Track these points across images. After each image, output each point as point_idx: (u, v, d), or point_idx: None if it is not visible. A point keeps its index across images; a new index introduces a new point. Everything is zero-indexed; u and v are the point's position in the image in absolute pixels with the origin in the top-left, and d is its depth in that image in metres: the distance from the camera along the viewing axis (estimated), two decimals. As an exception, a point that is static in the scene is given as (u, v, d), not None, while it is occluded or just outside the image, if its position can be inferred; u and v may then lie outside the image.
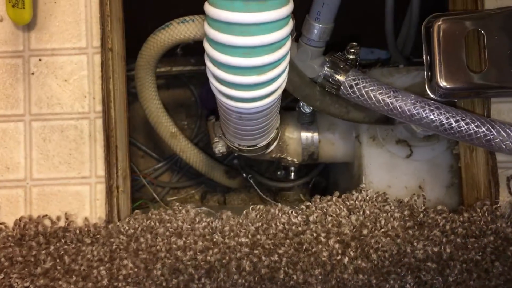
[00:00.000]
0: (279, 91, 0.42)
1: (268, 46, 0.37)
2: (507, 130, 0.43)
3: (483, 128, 0.44)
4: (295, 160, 0.61)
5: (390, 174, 0.55)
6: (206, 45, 0.38)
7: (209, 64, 0.40)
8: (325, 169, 0.90)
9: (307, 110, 0.59)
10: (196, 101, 0.98)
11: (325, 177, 0.94)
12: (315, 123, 0.60)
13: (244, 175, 0.86)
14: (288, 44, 0.38)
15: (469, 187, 0.51)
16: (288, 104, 0.71)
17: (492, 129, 0.44)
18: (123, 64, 0.55)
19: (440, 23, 0.46)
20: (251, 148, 0.55)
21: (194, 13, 0.58)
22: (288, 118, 0.61)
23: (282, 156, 0.60)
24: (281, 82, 0.41)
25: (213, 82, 0.41)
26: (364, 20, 0.58)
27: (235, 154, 0.57)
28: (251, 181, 0.74)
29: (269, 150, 0.58)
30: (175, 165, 0.96)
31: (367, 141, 0.57)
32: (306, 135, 0.60)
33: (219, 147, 0.56)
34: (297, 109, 0.60)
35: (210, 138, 0.58)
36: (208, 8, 0.36)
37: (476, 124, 0.44)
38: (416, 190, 0.55)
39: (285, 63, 0.39)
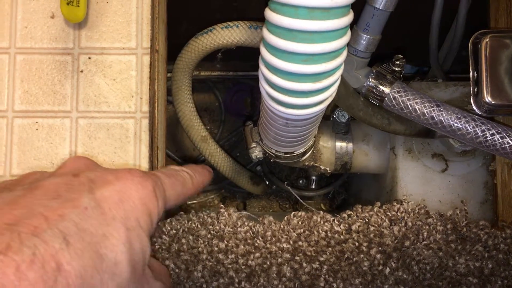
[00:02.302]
0: (330, 99, 0.42)
1: (328, 54, 0.37)
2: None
3: (526, 145, 0.44)
4: (327, 169, 0.61)
5: (424, 188, 0.56)
6: (263, 51, 0.39)
7: (264, 69, 0.40)
8: (346, 181, 0.90)
9: (342, 119, 0.59)
10: (220, 106, 0.98)
11: (345, 189, 0.94)
12: (349, 133, 0.61)
13: (267, 182, 0.86)
14: (345, 53, 0.39)
15: (506, 204, 0.52)
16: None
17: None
18: (165, 66, 0.56)
19: (488, 40, 0.46)
20: (288, 155, 0.55)
21: (230, 18, 0.59)
22: (323, 127, 0.61)
23: (315, 164, 0.61)
24: (334, 90, 0.41)
25: (265, 87, 0.41)
26: (408, 33, 0.59)
27: (271, 160, 0.57)
28: (289, 188, 0.73)
29: (304, 158, 0.58)
30: (196, 169, 0.96)
31: (403, 154, 0.57)
32: (340, 144, 0.61)
33: (256, 153, 0.56)
34: (332, 118, 0.60)
35: (247, 143, 0.58)
36: (269, 14, 0.36)
37: (519, 140, 0.45)
38: (451, 204, 0.55)
39: (340, 72, 0.40)
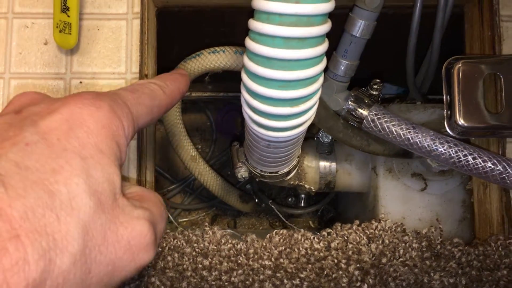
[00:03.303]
0: (308, 123, 0.44)
1: (304, 81, 0.39)
2: (522, 169, 0.46)
3: (499, 166, 0.46)
4: (312, 188, 0.63)
5: (405, 206, 0.58)
6: (244, 77, 0.41)
7: (245, 94, 0.42)
8: (334, 198, 0.92)
9: (326, 140, 0.61)
10: (211, 126, 1.01)
11: (334, 206, 0.96)
12: (333, 153, 0.63)
13: (257, 200, 0.88)
14: (321, 79, 0.41)
15: (482, 222, 0.53)
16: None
17: (507, 168, 0.46)
18: (154, 89, 0.58)
19: (460, 65, 0.49)
20: (272, 175, 0.57)
21: (219, 43, 0.61)
22: (307, 147, 0.63)
23: (300, 183, 0.63)
24: (312, 114, 0.43)
25: (247, 111, 0.44)
26: (386, 58, 0.61)
27: (257, 179, 0.59)
28: (272, 206, 0.75)
29: (288, 177, 0.60)
30: (187, 188, 0.98)
31: (384, 173, 0.59)
32: (324, 164, 0.63)
33: (242, 172, 0.58)
34: (315, 139, 0.62)
35: (233, 163, 0.60)
36: (249, 43, 0.39)
37: (492, 162, 0.47)
38: (430, 222, 0.57)
39: (316, 97, 0.42)
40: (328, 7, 0.37)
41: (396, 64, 0.60)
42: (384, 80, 0.67)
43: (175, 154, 1.00)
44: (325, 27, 0.38)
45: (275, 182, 0.60)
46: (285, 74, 0.38)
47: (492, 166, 0.46)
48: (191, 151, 0.71)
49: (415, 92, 0.58)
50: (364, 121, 0.50)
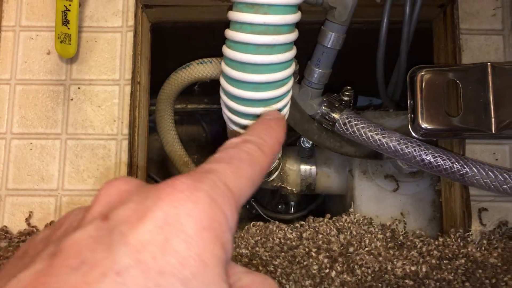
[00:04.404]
0: (281, 123, 0.49)
1: (274, 83, 0.44)
2: (478, 167, 0.50)
3: (458, 165, 0.51)
4: (294, 189, 0.67)
5: (378, 205, 0.62)
6: (222, 80, 0.46)
7: (223, 96, 0.47)
8: (323, 204, 0.96)
9: (307, 145, 0.66)
10: (207, 137, 1.06)
11: (322, 211, 0.99)
12: (313, 158, 0.67)
13: (248, 206, 0.92)
14: (291, 82, 0.46)
15: (448, 219, 0.57)
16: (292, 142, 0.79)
17: (465, 166, 0.50)
18: (147, 96, 0.64)
19: (422, 73, 0.53)
20: (255, 175, 0.61)
21: (211, 55, 0.67)
22: (290, 152, 0.68)
23: (283, 185, 0.67)
24: (284, 114, 0.48)
25: (225, 112, 0.48)
26: (362, 69, 0.66)
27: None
28: (254, 203, 0.79)
29: (271, 178, 0.65)
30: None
31: (359, 175, 0.63)
32: (304, 167, 0.67)
33: (227, 173, 0.63)
34: (298, 144, 0.67)
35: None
36: (225, 49, 0.44)
37: (451, 161, 0.51)
38: (400, 221, 0.61)
39: (287, 99, 0.47)
40: (293, 18, 0.42)
41: (371, 75, 0.65)
42: (361, 90, 0.72)
43: (171, 164, 1.05)
44: (292, 35, 0.43)
45: (258, 183, 0.65)
46: (257, 77, 0.43)
47: (451, 165, 0.51)
48: (184, 156, 0.76)
49: (387, 100, 0.63)
50: (336, 124, 0.55)
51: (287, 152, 0.68)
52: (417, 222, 0.60)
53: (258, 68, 0.43)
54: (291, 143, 0.72)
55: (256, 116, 0.47)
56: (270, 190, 0.95)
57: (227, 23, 0.74)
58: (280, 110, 0.47)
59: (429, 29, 0.65)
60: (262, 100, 0.45)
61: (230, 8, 0.43)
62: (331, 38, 0.53)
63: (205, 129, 1.05)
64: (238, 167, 0.26)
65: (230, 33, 0.43)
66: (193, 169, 0.25)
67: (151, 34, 0.67)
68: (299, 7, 0.44)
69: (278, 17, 0.41)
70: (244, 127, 0.48)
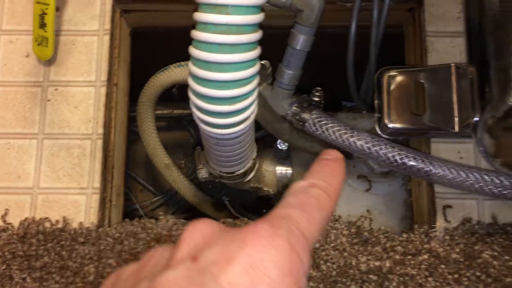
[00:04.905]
0: (248, 121, 0.50)
1: (238, 82, 0.46)
2: (442, 165, 0.51)
3: (423, 163, 0.52)
4: (270, 190, 0.69)
5: (350, 205, 0.63)
6: (190, 80, 0.48)
7: (191, 95, 0.49)
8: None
9: (283, 146, 0.67)
10: (194, 142, 1.07)
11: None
12: (289, 159, 0.69)
13: (232, 210, 0.93)
14: (255, 81, 0.48)
15: (417, 217, 0.58)
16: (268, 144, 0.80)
17: (430, 164, 0.52)
18: (126, 98, 0.65)
19: (389, 74, 0.55)
20: (229, 175, 0.63)
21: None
22: (266, 153, 0.69)
23: (259, 186, 0.68)
24: (250, 113, 0.50)
25: (194, 110, 0.50)
26: (335, 72, 0.68)
27: (216, 180, 0.65)
28: (226, 202, 0.80)
29: (247, 179, 0.66)
30: (170, 200, 1.03)
31: (333, 175, 0.64)
32: (280, 168, 0.68)
33: (202, 173, 0.64)
34: (274, 146, 0.68)
35: (195, 165, 0.66)
36: (191, 50, 0.45)
37: (417, 159, 0.52)
38: (373, 220, 0.62)
39: (252, 97, 0.48)
40: (256, 18, 0.44)
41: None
42: (337, 92, 0.73)
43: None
44: (255, 35, 0.45)
45: (235, 183, 0.66)
46: (222, 75, 0.45)
47: (417, 163, 0.52)
48: (165, 159, 0.77)
49: (360, 102, 0.64)
50: (306, 124, 0.56)
51: (263, 154, 0.69)
52: (389, 221, 0.61)
53: (223, 67, 0.44)
54: (268, 145, 0.73)
55: (223, 114, 0.48)
56: (257, 196, 0.97)
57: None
58: (246, 108, 0.49)
59: (402, 32, 0.66)
60: (227, 98, 0.46)
61: (196, 9, 0.45)
62: (300, 40, 0.55)
63: (192, 134, 1.07)
64: (309, 214, 0.28)
65: (195, 33, 0.44)
66: (269, 213, 0.27)
67: (132, 38, 0.68)
68: (262, 8, 0.46)
69: (240, 17, 0.43)
70: (213, 125, 0.49)
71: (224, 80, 0.45)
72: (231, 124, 0.49)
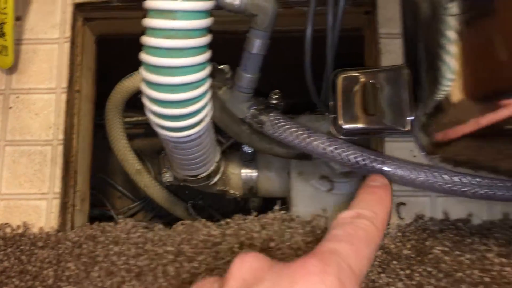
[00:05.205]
0: (203, 124, 0.51)
1: (188, 85, 0.47)
2: (394, 164, 0.52)
3: (375, 163, 0.53)
4: (237, 193, 0.69)
5: (313, 206, 0.64)
6: (142, 85, 0.49)
7: (144, 100, 0.50)
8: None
9: (249, 150, 0.68)
10: (171, 149, 1.08)
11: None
12: (254, 162, 0.70)
13: (209, 214, 0.94)
14: (207, 84, 0.49)
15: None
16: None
17: (383, 163, 0.53)
18: (91, 105, 0.66)
19: (343, 75, 0.56)
20: (193, 178, 0.64)
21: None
22: (232, 157, 0.70)
23: (226, 189, 0.69)
24: (203, 115, 0.50)
25: (148, 115, 0.51)
26: (290, 73, 0.69)
27: (181, 183, 0.66)
28: (189, 205, 0.81)
29: (212, 182, 0.67)
30: (148, 206, 1.04)
31: (296, 176, 0.65)
32: (246, 171, 0.69)
33: (167, 177, 0.65)
34: (240, 149, 0.69)
35: (160, 169, 0.67)
36: (141, 55, 0.46)
37: (371, 159, 0.53)
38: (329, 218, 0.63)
39: (204, 100, 0.49)
40: (203, 23, 0.45)
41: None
42: (299, 95, 0.75)
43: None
44: (203, 39, 0.46)
45: (200, 186, 0.67)
46: (171, 79, 0.46)
47: (370, 163, 0.53)
48: (136, 164, 0.78)
49: (320, 105, 0.65)
50: (265, 126, 0.57)
51: (230, 157, 0.70)
52: (351, 220, 0.62)
53: (172, 71, 0.45)
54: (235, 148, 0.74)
55: (176, 117, 0.49)
56: (233, 199, 0.98)
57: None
58: (199, 110, 0.50)
59: (362, 36, 0.68)
60: (179, 101, 0.47)
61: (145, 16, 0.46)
62: (255, 44, 0.56)
63: (169, 141, 1.07)
64: (357, 248, 0.28)
65: (144, 39, 0.45)
66: (317, 247, 0.28)
67: (98, 46, 0.70)
68: (210, 13, 0.47)
69: (187, 22, 0.44)
70: (167, 128, 0.50)
71: (174, 84, 0.46)
72: (185, 127, 0.50)
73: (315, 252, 0.27)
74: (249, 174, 0.69)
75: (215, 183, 0.68)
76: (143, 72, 0.47)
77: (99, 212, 1.00)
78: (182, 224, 0.54)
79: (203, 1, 0.45)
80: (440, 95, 0.35)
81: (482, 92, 0.32)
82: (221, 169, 0.67)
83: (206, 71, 0.48)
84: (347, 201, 0.64)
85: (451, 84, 0.33)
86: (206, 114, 0.51)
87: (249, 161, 0.69)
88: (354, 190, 0.64)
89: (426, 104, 0.39)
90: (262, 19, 0.55)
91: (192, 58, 0.45)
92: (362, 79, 0.56)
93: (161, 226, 0.53)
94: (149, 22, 0.45)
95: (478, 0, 0.33)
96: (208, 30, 0.47)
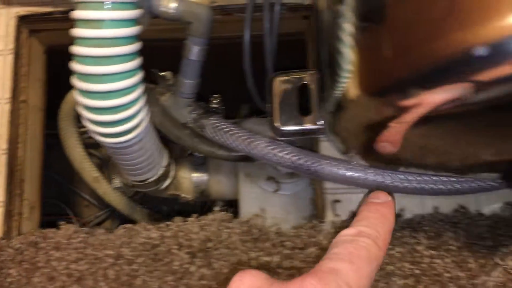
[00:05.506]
0: (139, 129, 0.52)
1: (118, 92, 0.48)
2: (328, 163, 0.54)
3: (310, 162, 0.54)
4: (188, 197, 0.71)
5: (261, 207, 0.65)
6: (75, 93, 0.50)
7: (79, 108, 0.51)
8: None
9: (199, 154, 0.69)
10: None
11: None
12: (205, 165, 0.71)
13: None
14: (138, 91, 0.50)
15: (319, 213, 0.61)
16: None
17: (317, 163, 0.54)
18: (40, 115, 0.67)
19: (279, 78, 0.57)
20: (141, 183, 0.65)
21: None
22: (183, 161, 0.72)
23: (177, 193, 0.70)
24: (138, 121, 0.52)
25: (85, 123, 0.52)
26: (231, 78, 0.71)
27: (130, 189, 0.67)
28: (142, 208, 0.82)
29: (163, 186, 0.68)
30: (114, 213, 1.05)
31: (243, 178, 0.67)
32: (196, 175, 0.71)
33: (116, 183, 0.66)
34: (189, 154, 0.71)
35: (109, 175, 0.68)
36: (72, 64, 0.48)
37: (306, 159, 0.55)
38: (281, 219, 0.64)
39: (137, 106, 0.51)
40: (128, 31, 0.46)
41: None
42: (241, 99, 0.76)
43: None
44: (130, 47, 0.47)
45: (150, 191, 0.68)
46: (99, 86, 0.47)
47: (305, 162, 0.54)
48: (93, 172, 0.79)
49: (263, 108, 0.67)
50: (206, 129, 0.59)
51: (181, 162, 0.71)
52: (298, 220, 0.64)
53: (100, 78, 0.47)
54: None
55: (109, 123, 0.50)
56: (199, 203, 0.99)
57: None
58: (132, 116, 0.51)
59: (306, 41, 0.69)
60: (110, 108, 0.49)
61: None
62: (194, 51, 0.57)
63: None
64: (358, 266, 0.28)
65: (73, 48, 0.47)
66: (317, 266, 0.28)
67: (48, 57, 0.71)
68: (138, 21, 0.48)
69: (112, 31, 0.45)
70: (103, 135, 0.52)
71: (104, 90, 0.47)
72: (120, 133, 0.51)
73: (314, 271, 0.27)
74: (200, 178, 0.70)
75: (166, 188, 0.69)
76: (75, 81, 0.48)
77: (67, 221, 1.00)
78: (123, 228, 0.55)
79: (128, 10, 0.46)
80: (338, 92, 0.36)
81: (373, 88, 0.33)
82: (172, 173, 0.68)
83: (137, 77, 0.49)
84: (294, 201, 0.66)
85: (347, 81, 0.35)
86: (141, 119, 0.52)
87: (200, 164, 0.70)
88: (300, 190, 0.65)
89: (329, 103, 0.40)
90: (197, 26, 0.56)
91: (120, 65, 0.47)
92: (297, 81, 0.57)
93: (102, 230, 0.54)
94: (76, 31, 0.46)
95: (370, 10, 0.35)
96: (137, 38, 0.48)
